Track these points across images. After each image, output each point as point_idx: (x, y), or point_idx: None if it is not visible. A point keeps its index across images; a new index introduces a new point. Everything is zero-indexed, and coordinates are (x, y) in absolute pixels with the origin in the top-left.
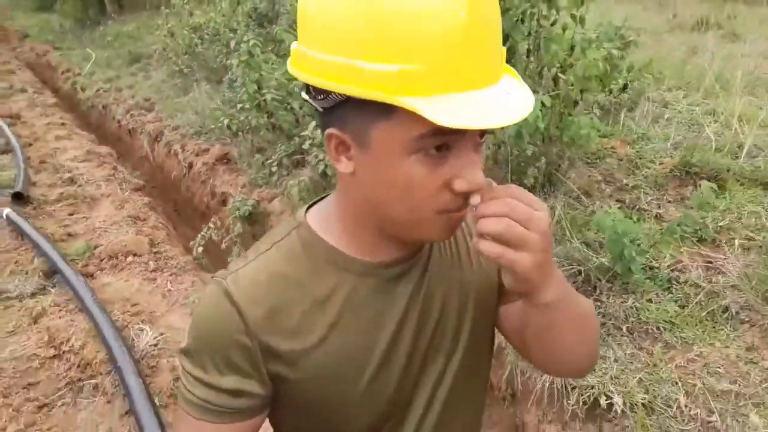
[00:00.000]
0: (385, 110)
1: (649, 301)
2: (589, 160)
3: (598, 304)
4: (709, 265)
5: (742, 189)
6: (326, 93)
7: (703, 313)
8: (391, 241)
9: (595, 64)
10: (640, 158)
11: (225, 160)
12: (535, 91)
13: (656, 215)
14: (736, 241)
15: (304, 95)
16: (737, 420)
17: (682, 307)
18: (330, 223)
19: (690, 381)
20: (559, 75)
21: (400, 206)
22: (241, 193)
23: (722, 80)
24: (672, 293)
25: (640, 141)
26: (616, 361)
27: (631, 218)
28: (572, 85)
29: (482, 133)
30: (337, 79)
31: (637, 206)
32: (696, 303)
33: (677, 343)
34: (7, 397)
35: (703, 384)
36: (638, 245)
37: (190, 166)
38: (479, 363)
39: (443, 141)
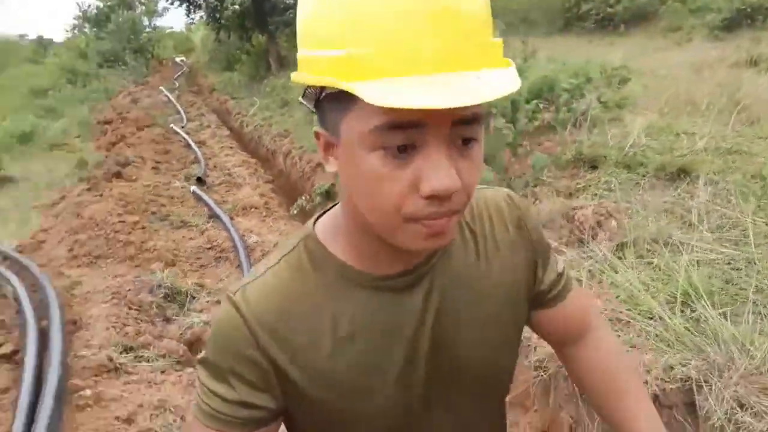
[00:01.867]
0: (348, 101)
1: None
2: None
3: None
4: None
5: (609, 168)
6: (306, 90)
7: None
8: (395, 251)
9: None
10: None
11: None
12: None
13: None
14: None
15: (300, 100)
16: None
17: None
18: (336, 234)
19: None
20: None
21: (369, 209)
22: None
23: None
24: None
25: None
26: None
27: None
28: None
29: (462, 127)
30: (307, 71)
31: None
32: None
33: None
34: (191, 264)
35: None
36: None
37: (303, 170)
38: (500, 375)
39: (405, 138)
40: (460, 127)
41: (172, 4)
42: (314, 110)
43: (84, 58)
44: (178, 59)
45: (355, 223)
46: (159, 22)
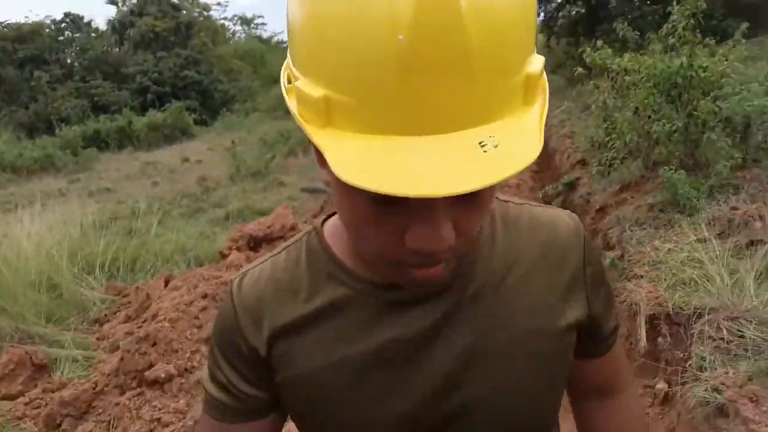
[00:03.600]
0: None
1: None
2: None
3: None
4: None
5: None
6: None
7: None
8: None
9: None
10: None
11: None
12: None
13: None
14: None
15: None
16: None
17: None
18: (342, 234)
19: None
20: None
21: (357, 245)
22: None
23: None
24: None
25: None
26: None
27: None
28: None
29: (463, 197)
30: (288, 93)
31: None
32: None
33: None
34: None
35: None
36: None
37: (568, 166)
38: (525, 427)
39: (392, 207)
40: (459, 197)
41: None
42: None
43: None
44: None
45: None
46: None
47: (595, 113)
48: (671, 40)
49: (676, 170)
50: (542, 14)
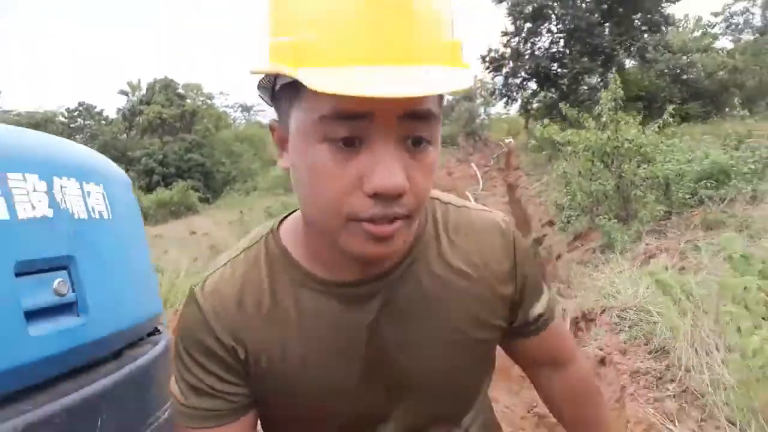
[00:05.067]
0: (298, 91)
1: None
2: None
3: None
4: None
5: None
6: (261, 82)
7: None
8: (353, 259)
9: None
10: None
11: None
12: None
13: None
14: None
15: (257, 91)
16: None
17: None
18: (297, 236)
19: None
20: None
21: (312, 206)
22: None
23: None
24: None
25: None
26: None
27: None
28: None
29: (411, 123)
30: (263, 59)
31: None
32: None
33: None
34: None
35: None
36: None
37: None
38: (460, 392)
39: (350, 130)
40: (409, 123)
41: (496, 99)
42: (271, 103)
43: None
44: (507, 140)
45: (310, 228)
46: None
47: (557, 181)
48: (602, 119)
49: (610, 220)
50: (519, 99)
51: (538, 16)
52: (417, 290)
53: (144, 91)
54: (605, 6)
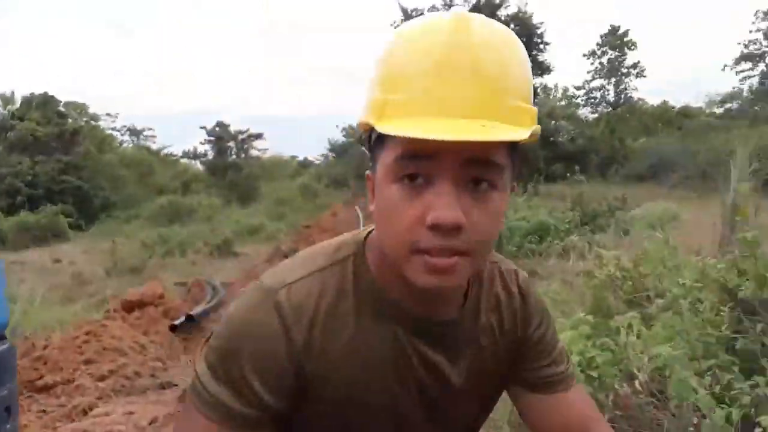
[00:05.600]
0: (384, 141)
1: None
2: None
3: None
4: None
5: None
6: (362, 136)
7: None
8: (419, 293)
9: None
10: None
11: None
12: None
13: None
14: None
15: (362, 147)
16: None
17: None
18: (381, 258)
19: None
20: None
21: (386, 238)
22: None
23: None
24: None
25: None
26: None
27: None
28: None
29: (473, 167)
30: (362, 115)
31: None
32: None
33: None
34: None
35: None
36: None
37: None
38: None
39: (416, 168)
40: (470, 166)
41: None
42: (370, 153)
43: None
44: None
45: (388, 267)
46: None
47: None
48: None
49: None
50: None
51: None
52: (469, 338)
53: (18, 105)
54: None
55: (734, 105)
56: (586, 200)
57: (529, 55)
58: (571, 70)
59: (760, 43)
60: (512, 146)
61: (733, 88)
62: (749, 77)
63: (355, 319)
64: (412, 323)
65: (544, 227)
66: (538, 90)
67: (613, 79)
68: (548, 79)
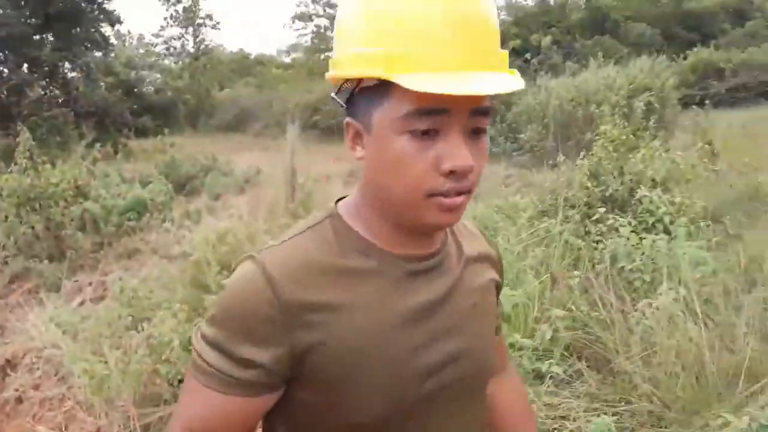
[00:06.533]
0: (382, 93)
1: None
2: None
3: None
4: None
5: None
6: (341, 86)
7: None
8: (409, 235)
9: None
10: None
11: None
12: None
13: None
14: None
15: (332, 96)
16: None
17: None
18: (358, 214)
19: None
20: None
21: (395, 186)
22: None
23: None
24: None
25: None
26: None
27: None
28: None
29: (476, 117)
30: (350, 67)
31: None
32: None
33: None
34: None
35: None
36: None
37: None
38: (486, 373)
39: (430, 123)
40: (476, 117)
41: None
42: (344, 105)
43: None
44: None
45: (373, 208)
46: None
47: None
48: (24, 162)
49: (41, 261)
50: None
51: None
52: (463, 265)
53: None
54: (42, 17)
55: (299, 55)
56: (178, 164)
57: (96, 5)
58: (146, 15)
59: (310, 5)
60: None
61: (298, 38)
62: (303, 35)
63: (341, 255)
64: (403, 260)
65: (141, 202)
66: (110, 37)
67: (191, 29)
68: (121, 28)
